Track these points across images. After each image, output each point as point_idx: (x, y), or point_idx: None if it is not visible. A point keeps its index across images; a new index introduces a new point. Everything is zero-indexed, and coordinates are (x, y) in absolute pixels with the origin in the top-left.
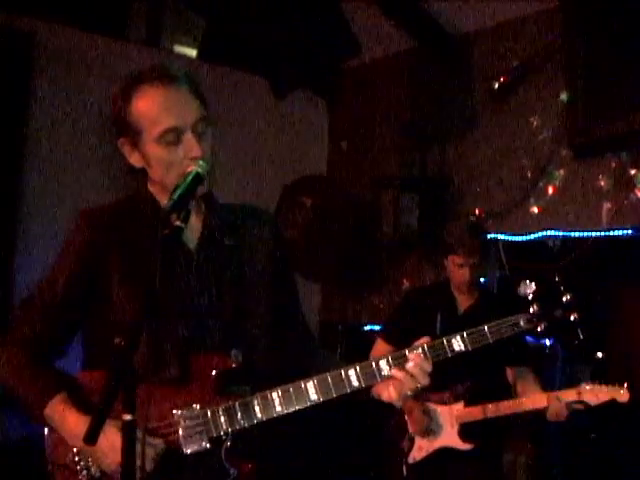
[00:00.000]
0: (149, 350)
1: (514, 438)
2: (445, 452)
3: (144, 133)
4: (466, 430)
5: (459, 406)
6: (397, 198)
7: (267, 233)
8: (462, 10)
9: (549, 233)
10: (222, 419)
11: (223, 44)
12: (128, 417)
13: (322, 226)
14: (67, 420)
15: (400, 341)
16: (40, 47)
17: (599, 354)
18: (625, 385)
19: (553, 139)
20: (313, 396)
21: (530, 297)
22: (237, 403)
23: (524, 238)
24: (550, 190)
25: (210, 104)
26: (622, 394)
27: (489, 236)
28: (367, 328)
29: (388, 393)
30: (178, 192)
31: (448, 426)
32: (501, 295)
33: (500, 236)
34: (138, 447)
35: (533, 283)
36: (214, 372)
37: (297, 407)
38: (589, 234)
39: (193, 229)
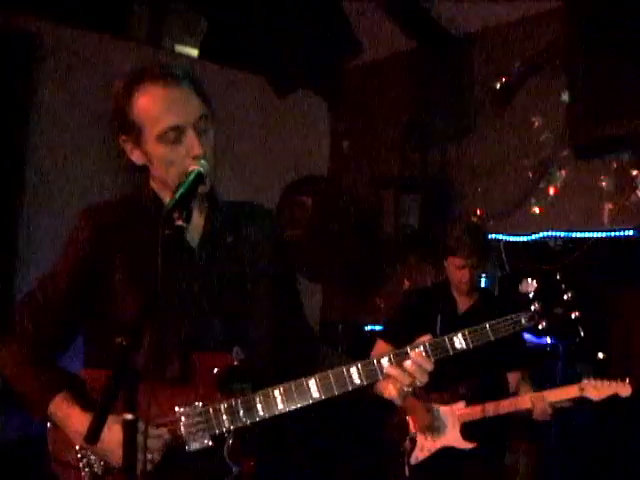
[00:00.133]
0: (151, 349)
1: (516, 438)
2: (447, 452)
3: (145, 131)
4: (468, 430)
5: (460, 406)
6: (398, 198)
7: (269, 230)
8: (464, 11)
9: (550, 234)
10: (224, 417)
11: (224, 44)
12: (129, 416)
13: (323, 226)
14: (70, 417)
15: (400, 342)
16: (41, 46)
17: (600, 355)
18: (627, 379)
19: (554, 140)
20: (315, 394)
21: (531, 295)
22: (239, 401)
23: (525, 238)
24: (551, 191)
25: (211, 104)
26: (624, 388)
27: (490, 236)
28: (368, 328)
29: (389, 390)
30: (180, 191)
31: (450, 426)
32: (501, 296)
33: (501, 236)
34: (142, 441)
35: (534, 281)
36: (216, 370)
37: (299, 405)
38: (590, 235)
39: (195, 227)
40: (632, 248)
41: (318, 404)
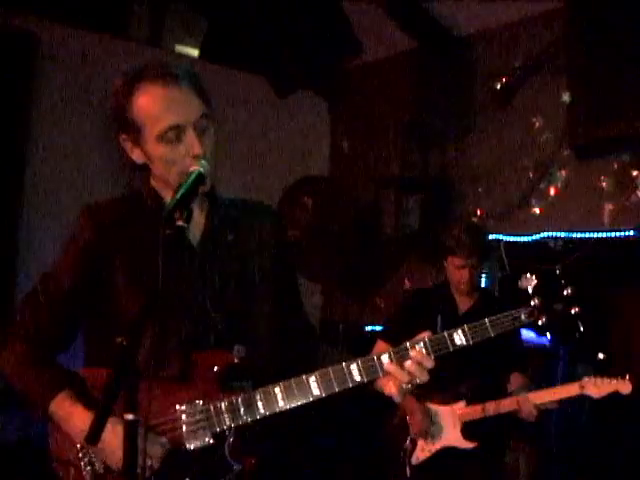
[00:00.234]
0: (152, 348)
1: (516, 438)
2: (448, 452)
3: (145, 130)
4: (469, 429)
5: (461, 405)
6: (398, 198)
7: (269, 228)
8: (464, 11)
9: (551, 234)
10: (225, 414)
11: (225, 44)
12: (130, 416)
13: (323, 226)
14: (72, 416)
15: (400, 342)
16: (42, 47)
17: (600, 355)
18: (627, 376)
19: (555, 140)
20: (315, 391)
21: (531, 291)
22: (240, 398)
23: (526, 239)
24: (552, 191)
25: (211, 104)
26: (625, 385)
27: (490, 237)
28: (368, 328)
29: (389, 388)
30: (180, 192)
31: (451, 426)
32: (502, 296)
33: (501, 237)
34: (142, 445)
35: (534, 277)
36: (216, 368)
37: (299, 402)
38: (590, 235)
39: (196, 226)
40: (632, 248)
41: (319, 402)
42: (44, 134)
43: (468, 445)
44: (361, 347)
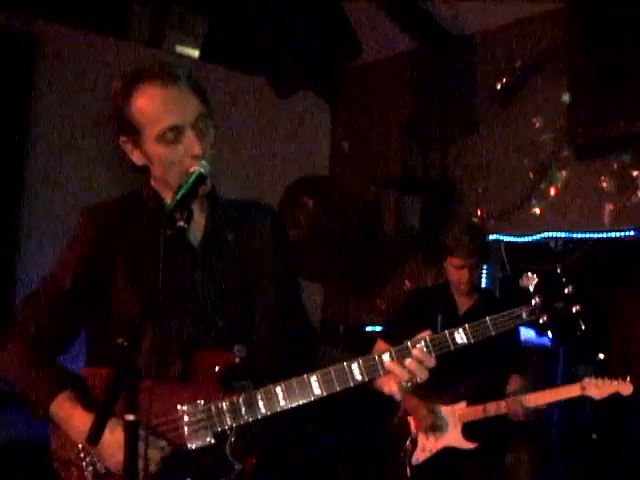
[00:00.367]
0: (153, 348)
1: (516, 438)
2: (449, 452)
3: (144, 132)
4: (469, 429)
5: (461, 405)
6: (399, 199)
7: (270, 228)
8: (464, 11)
9: (551, 234)
10: (226, 414)
11: (225, 44)
12: (131, 417)
13: (324, 226)
14: (73, 417)
15: (400, 342)
16: (42, 47)
17: (601, 355)
18: (628, 378)
19: (555, 140)
20: (317, 390)
21: (532, 289)
22: (241, 398)
23: (526, 239)
24: (552, 191)
25: (212, 104)
26: (625, 386)
27: (491, 237)
28: (368, 328)
29: (389, 386)
30: (181, 192)
31: (451, 426)
32: (502, 297)
33: (502, 237)
34: (142, 447)
35: (535, 275)
36: (217, 368)
37: (301, 401)
38: (591, 235)
39: (197, 227)
40: (633, 249)
41: (319, 402)
42: (44, 134)
43: (468, 445)
44: (361, 347)
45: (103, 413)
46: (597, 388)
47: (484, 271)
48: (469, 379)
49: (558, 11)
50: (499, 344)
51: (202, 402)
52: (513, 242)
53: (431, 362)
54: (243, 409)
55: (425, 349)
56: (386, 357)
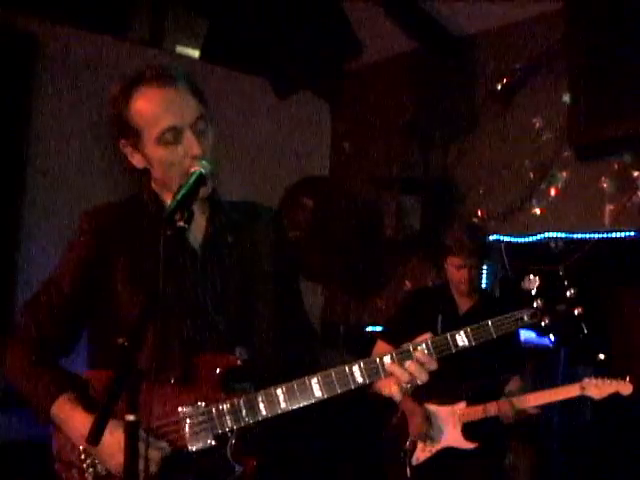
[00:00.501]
0: (154, 350)
1: (516, 438)
2: (449, 452)
3: (144, 134)
4: (469, 430)
5: (461, 406)
6: (399, 199)
7: (270, 230)
8: (465, 12)
9: (551, 235)
10: (227, 416)
11: (225, 45)
12: (131, 418)
13: (324, 227)
14: (73, 419)
15: (401, 343)
16: (41, 47)
17: (601, 356)
18: (627, 377)
19: (555, 141)
20: (317, 392)
21: (534, 292)
22: (242, 400)
23: (526, 239)
24: (552, 192)
25: (212, 105)
26: (625, 386)
27: (491, 237)
28: (369, 329)
29: (389, 388)
30: (181, 192)
31: (451, 426)
32: (502, 297)
33: (502, 237)
34: (143, 449)
35: (537, 278)
36: (218, 370)
37: (301, 403)
38: (591, 236)
39: (198, 228)
40: (633, 249)
41: (320, 404)
42: (44, 135)
43: (468, 445)
44: (361, 348)
45: (103, 413)
46: (597, 388)
47: (484, 271)
48: (469, 379)
49: (558, 11)
50: (499, 344)
51: (203, 404)
52: (513, 242)
53: (433, 364)
54: (244, 411)
55: (427, 351)
56: (387, 359)
